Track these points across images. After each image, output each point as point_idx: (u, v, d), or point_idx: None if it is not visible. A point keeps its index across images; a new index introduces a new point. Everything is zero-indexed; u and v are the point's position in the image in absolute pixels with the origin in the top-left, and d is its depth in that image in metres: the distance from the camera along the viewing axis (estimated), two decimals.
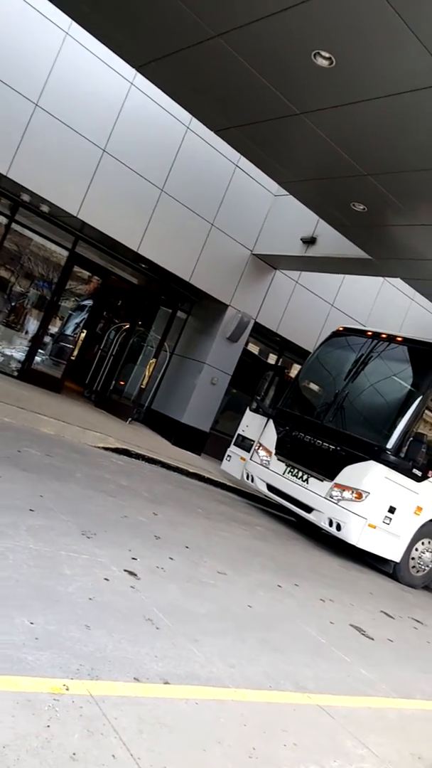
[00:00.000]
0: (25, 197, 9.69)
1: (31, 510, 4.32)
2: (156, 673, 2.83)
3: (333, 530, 7.56)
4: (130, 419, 11.70)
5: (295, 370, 13.28)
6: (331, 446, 7.92)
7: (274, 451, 8.64)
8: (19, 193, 9.54)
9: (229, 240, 11.38)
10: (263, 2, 5.05)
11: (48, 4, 7.30)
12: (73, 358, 12.41)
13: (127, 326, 13.28)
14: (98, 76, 9.20)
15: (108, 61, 9.06)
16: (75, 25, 8.30)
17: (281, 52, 5.62)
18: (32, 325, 11.78)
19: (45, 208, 9.94)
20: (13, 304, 11.88)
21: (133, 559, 4.24)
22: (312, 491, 7.89)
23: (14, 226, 10.57)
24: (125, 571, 3.94)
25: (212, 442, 12.18)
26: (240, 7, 5.26)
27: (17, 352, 11.38)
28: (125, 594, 3.59)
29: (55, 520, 4.35)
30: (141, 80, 9.13)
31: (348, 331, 9.21)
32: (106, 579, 3.66)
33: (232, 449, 10.05)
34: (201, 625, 3.68)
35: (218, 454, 11.49)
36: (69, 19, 8.28)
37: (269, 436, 8.85)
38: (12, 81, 8.49)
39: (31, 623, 2.78)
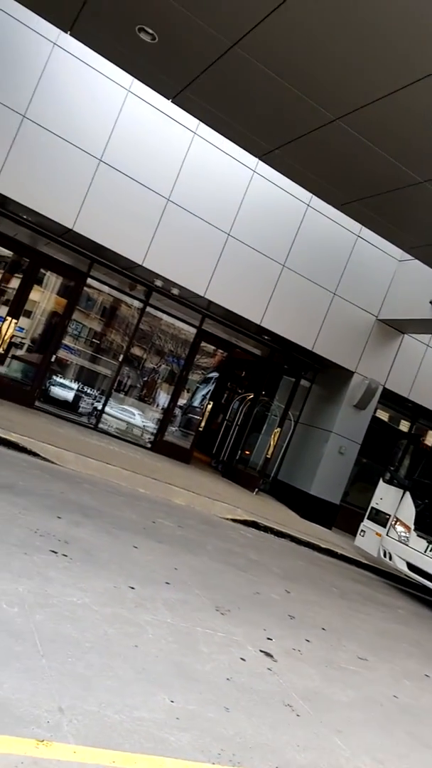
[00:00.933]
0: (158, 283, 10.44)
1: (167, 583, 4.39)
2: (299, 765, 2.68)
3: None
4: (256, 490, 11.66)
5: None
6: None
7: (413, 527, 8.13)
8: (153, 279, 10.30)
9: (353, 307, 11.36)
10: (381, 83, 5.23)
11: (176, 107, 8.07)
12: (200, 429, 12.78)
13: (251, 396, 13.49)
14: (223, 168, 9.88)
15: (232, 153, 9.74)
16: (202, 124, 9.09)
17: (401, 127, 5.73)
18: (162, 398, 12.36)
19: (175, 291, 10.62)
20: (145, 379, 12.59)
21: (269, 639, 4.12)
22: None
23: (148, 309, 11.36)
24: (261, 651, 3.84)
25: (343, 515, 11.73)
26: (358, 91, 5.48)
27: (150, 424, 11.95)
28: (262, 676, 3.49)
29: (190, 594, 4.37)
30: (263, 167, 9.68)
31: None
32: (242, 659, 3.58)
33: (366, 524, 9.59)
34: (343, 714, 3.46)
35: (351, 529, 11.03)
36: (196, 121, 9.10)
37: (407, 509, 8.37)
38: (148, 181, 9.36)
39: (172, 701, 2.78)
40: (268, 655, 3.83)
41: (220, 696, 3.02)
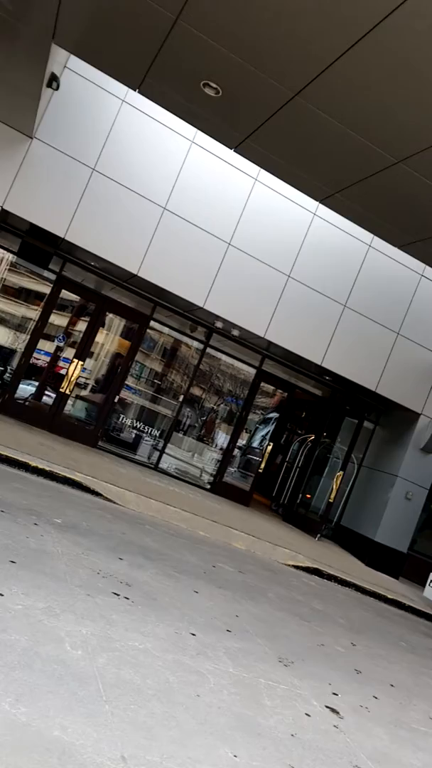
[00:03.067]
0: (219, 324, 10.58)
1: (228, 630, 4.29)
2: None
3: None
4: (318, 535, 11.35)
5: None
6: None
7: None
8: (213, 320, 10.46)
9: (417, 347, 11.11)
10: None
11: (238, 156, 8.31)
12: (260, 470, 12.67)
13: (312, 437, 13.27)
14: (283, 212, 10.04)
15: (292, 197, 9.90)
16: (263, 171, 9.31)
17: None
18: (221, 438, 12.34)
19: (235, 332, 10.72)
20: (204, 419, 12.64)
21: (334, 694, 3.94)
22: None
23: (208, 349, 11.50)
24: (327, 707, 3.66)
25: (411, 564, 11.22)
26: (421, 133, 5.48)
27: (208, 465, 11.93)
28: (328, 733, 3.32)
29: (252, 643, 4.25)
30: (324, 209, 9.78)
31: None
32: (307, 714, 3.43)
33: None
34: None
35: (419, 579, 10.54)
36: (258, 168, 9.33)
37: None
38: (210, 227, 9.61)
39: (235, 756, 2.68)
40: (334, 711, 3.65)
41: (284, 753, 2.89)
